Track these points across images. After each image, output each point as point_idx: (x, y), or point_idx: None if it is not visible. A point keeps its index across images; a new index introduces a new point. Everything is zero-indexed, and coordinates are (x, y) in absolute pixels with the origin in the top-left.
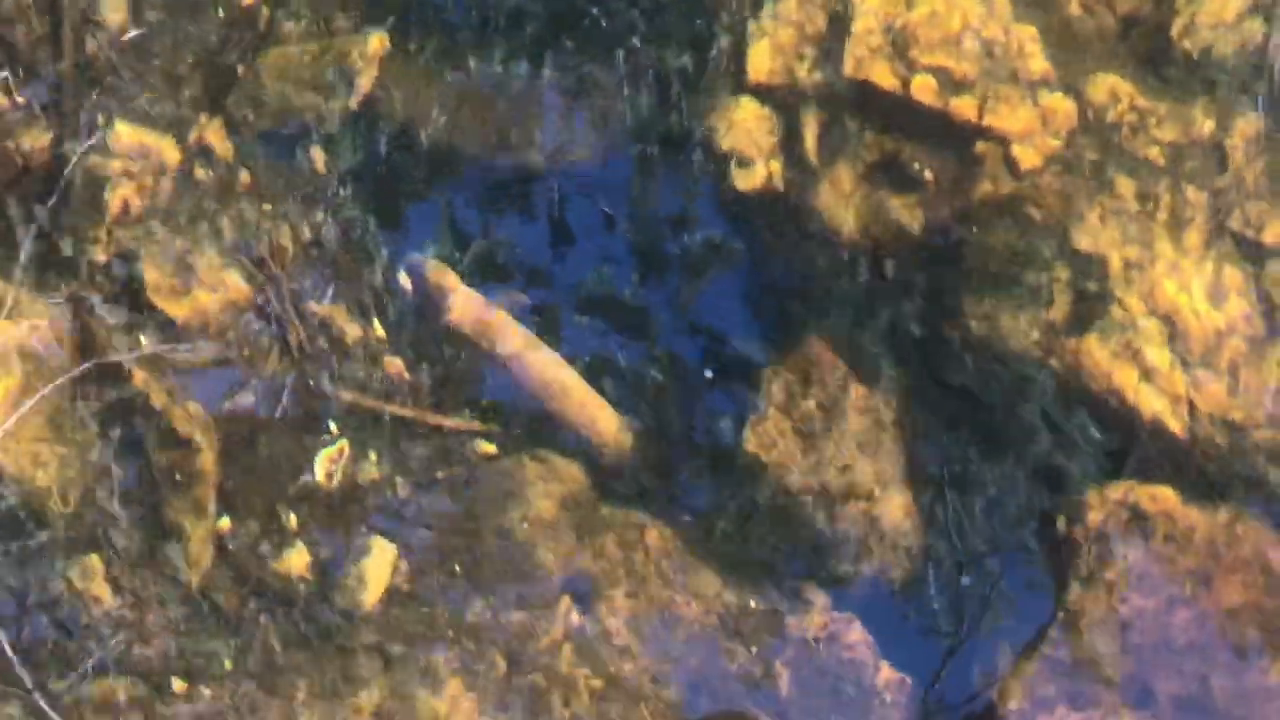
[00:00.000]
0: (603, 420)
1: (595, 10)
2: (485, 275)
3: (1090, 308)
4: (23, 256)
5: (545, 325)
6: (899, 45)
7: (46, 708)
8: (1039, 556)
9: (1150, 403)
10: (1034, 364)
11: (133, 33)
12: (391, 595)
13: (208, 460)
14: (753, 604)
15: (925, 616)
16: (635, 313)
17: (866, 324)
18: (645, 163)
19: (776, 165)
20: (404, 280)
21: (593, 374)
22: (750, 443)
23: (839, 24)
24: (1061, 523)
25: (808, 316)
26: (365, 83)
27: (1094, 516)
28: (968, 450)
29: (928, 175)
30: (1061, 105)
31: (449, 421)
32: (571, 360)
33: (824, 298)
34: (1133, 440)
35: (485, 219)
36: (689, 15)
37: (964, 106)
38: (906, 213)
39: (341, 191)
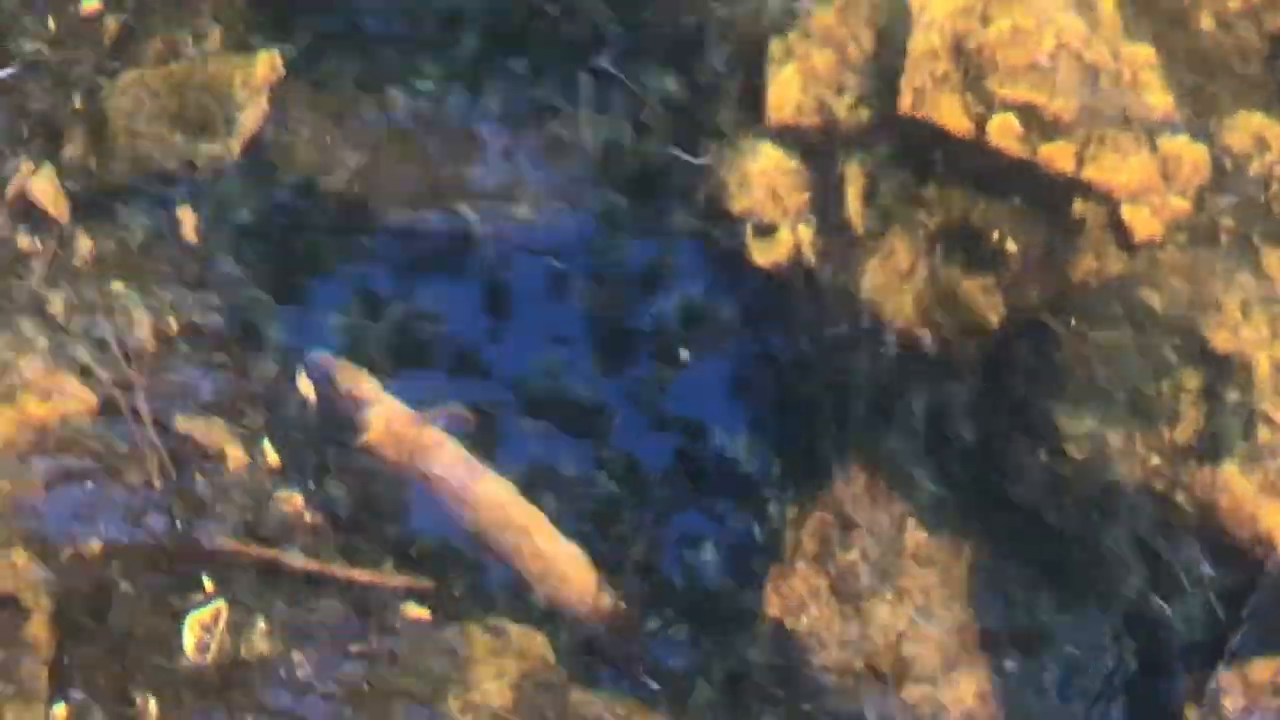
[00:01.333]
0: (574, 573)
1: (553, 15)
2: (403, 360)
3: (1229, 426)
4: None
5: (477, 431)
6: (972, 74)
7: None
8: None
9: None
10: (1151, 497)
11: None
12: None
13: (39, 627)
14: None
15: None
16: (589, 409)
17: (924, 443)
18: (611, 215)
19: (807, 232)
20: (304, 385)
21: (531, 492)
22: (772, 604)
23: (891, 44)
24: (1191, 713)
25: (844, 434)
26: (250, 118)
27: (1230, 703)
28: (1038, 598)
29: (1010, 248)
30: (1189, 153)
31: (365, 576)
32: (505, 471)
33: (870, 411)
34: (1254, 580)
35: (405, 287)
36: (683, 31)
37: (1058, 155)
38: (983, 298)
39: (218, 264)
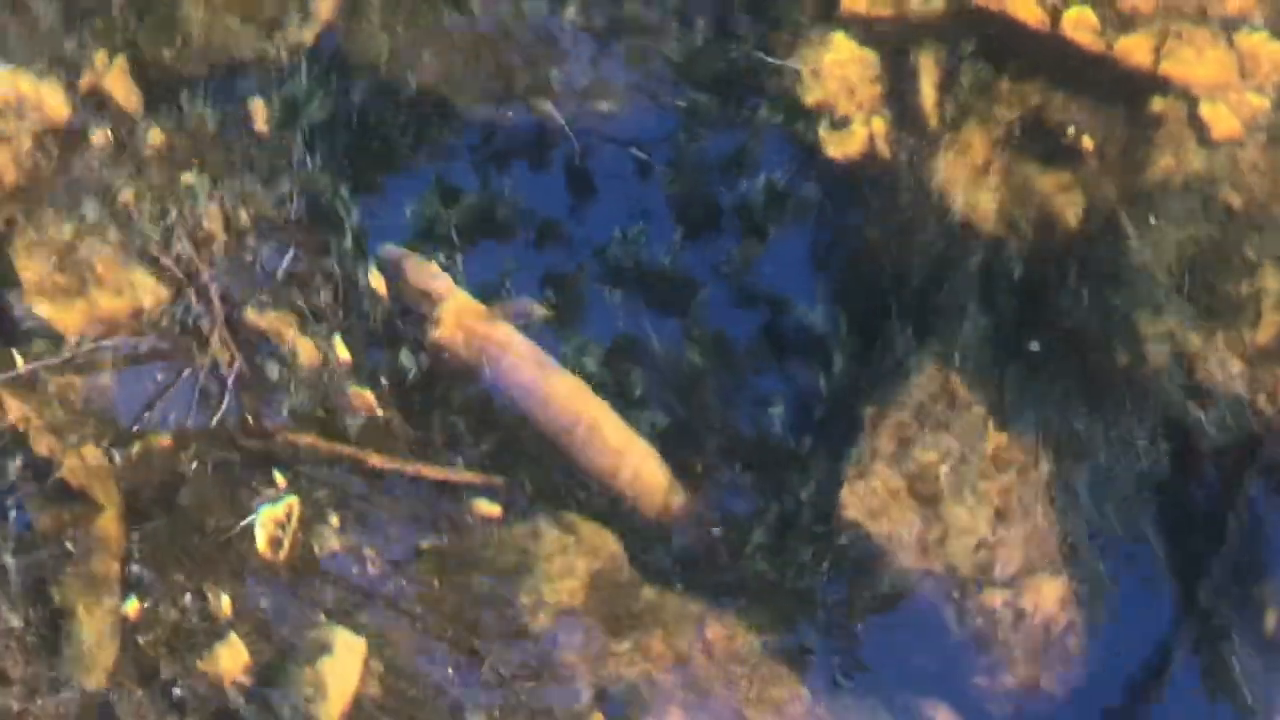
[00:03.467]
0: (646, 470)
1: None
2: (481, 234)
3: None
4: None
5: (561, 302)
6: None
7: None
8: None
9: None
10: (1234, 402)
11: None
12: (360, 707)
13: (110, 522)
14: None
15: None
16: (673, 283)
17: (1004, 339)
18: (693, 114)
19: (881, 125)
20: (375, 281)
21: (617, 363)
22: (849, 505)
23: None
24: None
25: (922, 327)
26: (325, 9)
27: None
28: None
29: (1086, 143)
30: (1267, 50)
31: (437, 472)
32: (589, 347)
33: (948, 304)
34: None
35: (483, 173)
36: None
37: (1135, 49)
38: (1060, 194)
39: (290, 157)
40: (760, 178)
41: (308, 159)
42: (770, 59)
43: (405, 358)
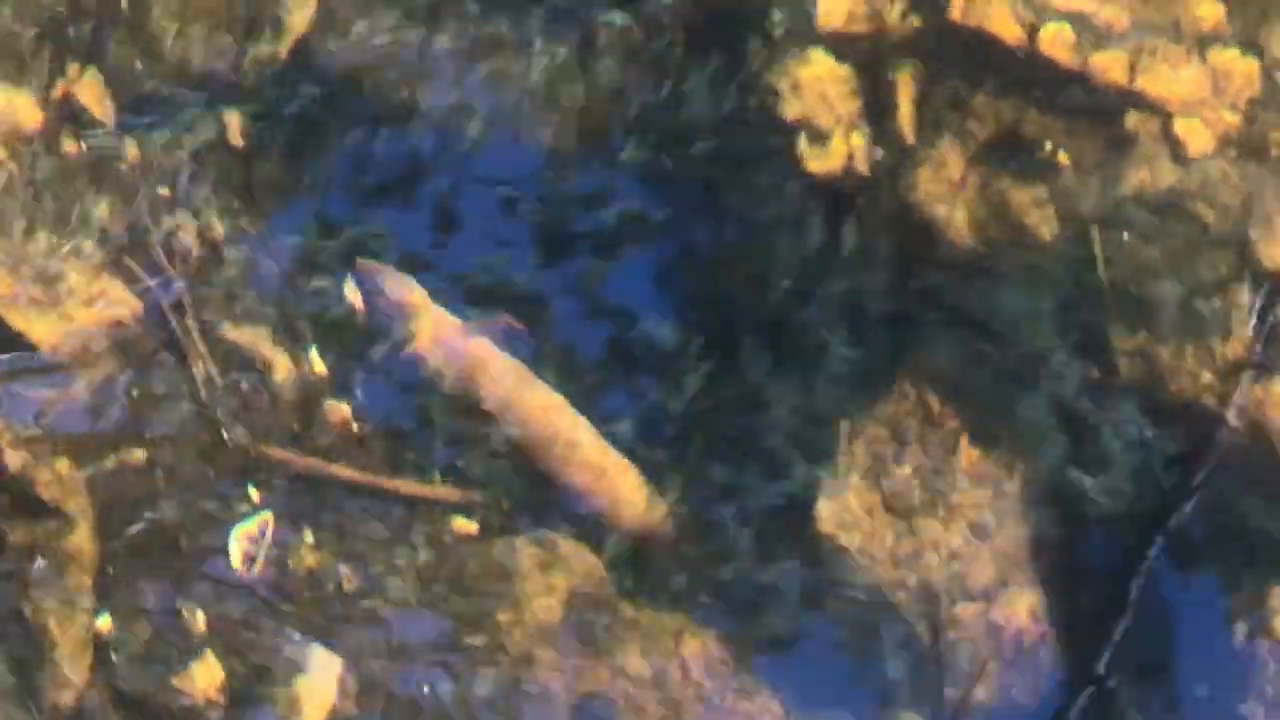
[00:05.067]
0: (625, 486)
1: None
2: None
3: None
4: None
5: None
6: None
7: None
8: None
9: None
10: (1204, 417)
11: None
12: None
13: (83, 537)
14: None
15: None
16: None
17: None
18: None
19: (859, 140)
20: (352, 294)
21: None
22: (825, 520)
23: None
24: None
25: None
26: (301, 20)
27: None
28: None
29: (1062, 159)
30: (1240, 66)
31: (413, 488)
32: None
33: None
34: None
35: (359, 207)
36: None
37: (1110, 66)
38: (1035, 210)
39: (269, 170)
40: (616, 207)
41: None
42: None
43: (382, 371)
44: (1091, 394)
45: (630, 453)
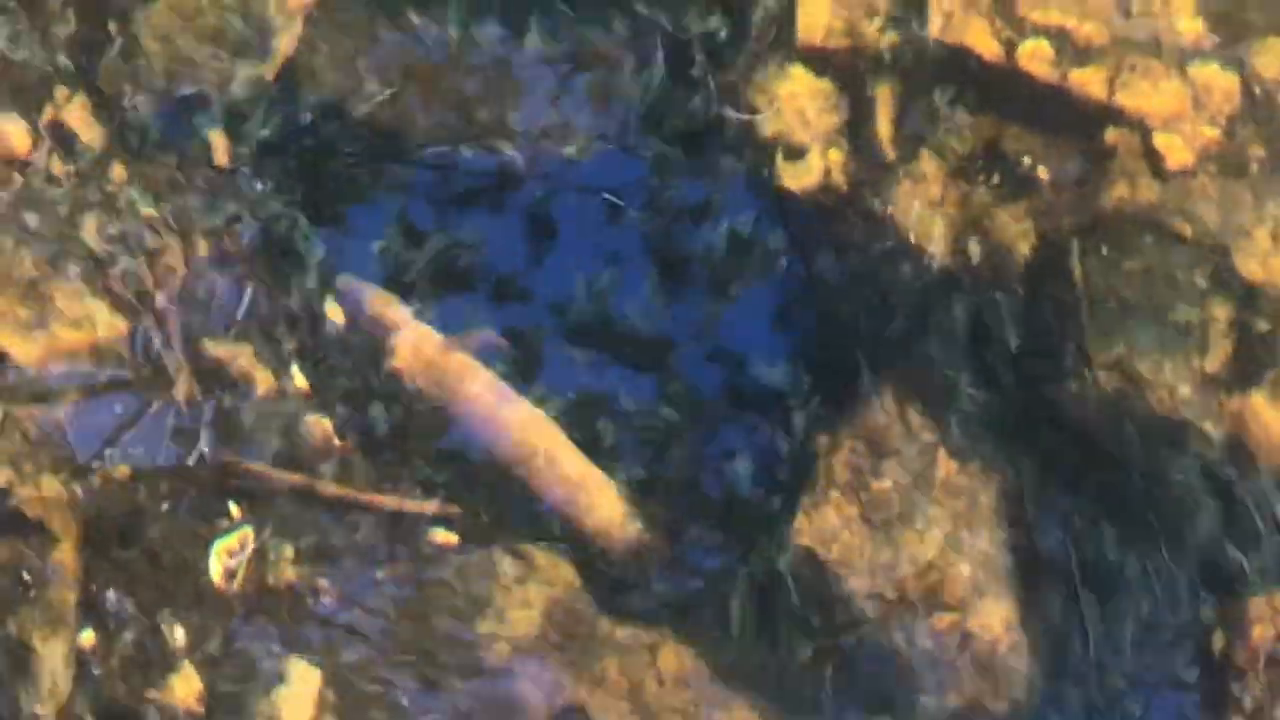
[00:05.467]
0: (603, 502)
1: None
2: (444, 286)
3: (1258, 355)
4: None
5: (521, 356)
6: None
7: None
8: (1197, 692)
9: None
10: (1183, 428)
11: None
12: None
13: (67, 554)
14: None
15: None
16: (638, 338)
17: (965, 364)
18: (660, 160)
19: (838, 156)
20: (333, 311)
21: (579, 420)
22: (803, 534)
23: None
24: (1218, 639)
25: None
26: (286, 42)
27: (1260, 632)
28: (1101, 534)
29: (1041, 174)
30: (1220, 81)
31: (394, 502)
32: (550, 401)
33: (902, 336)
34: None
35: (443, 216)
36: None
37: (1089, 81)
38: (1014, 225)
39: (251, 189)
40: (724, 224)
41: (257, 185)
42: (736, 114)
43: (363, 388)
44: None
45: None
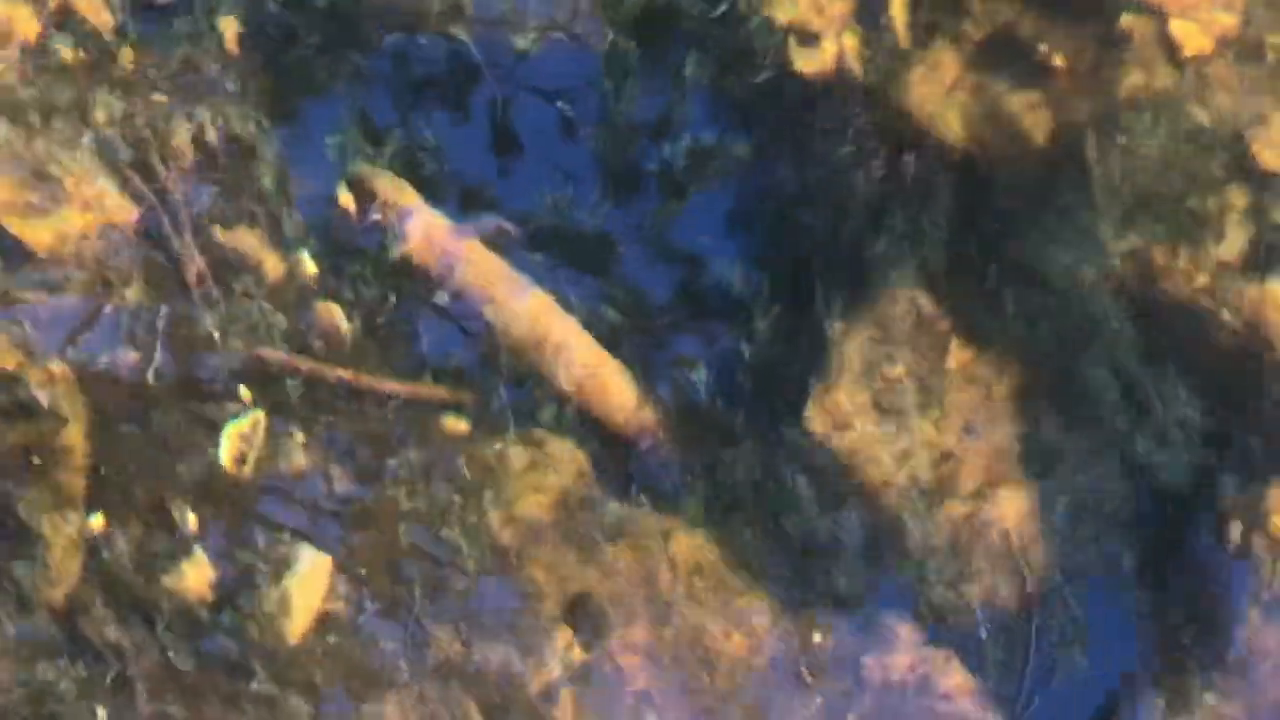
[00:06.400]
0: (616, 388)
1: None
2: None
3: (1276, 243)
4: None
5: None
6: None
7: None
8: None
9: None
10: (1200, 313)
11: None
12: (324, 623)
13: (75, 436)
14: (818, 638)
15: (1043, 654)
16: (594, 241)
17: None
18: (615, 57)
19: (852, 41)
20: (343, 197)
21: None
22: (815, 421)
23: None
24: (1236, 530)
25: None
26: None
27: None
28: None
29: (1057, 61)
30: None
31: (404, 388)
32: None
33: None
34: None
35: (401, 109)
36: None
37: None
38: (1029, 114)
39: (261, 77)
40: (685, 138)
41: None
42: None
43: (372, 272)
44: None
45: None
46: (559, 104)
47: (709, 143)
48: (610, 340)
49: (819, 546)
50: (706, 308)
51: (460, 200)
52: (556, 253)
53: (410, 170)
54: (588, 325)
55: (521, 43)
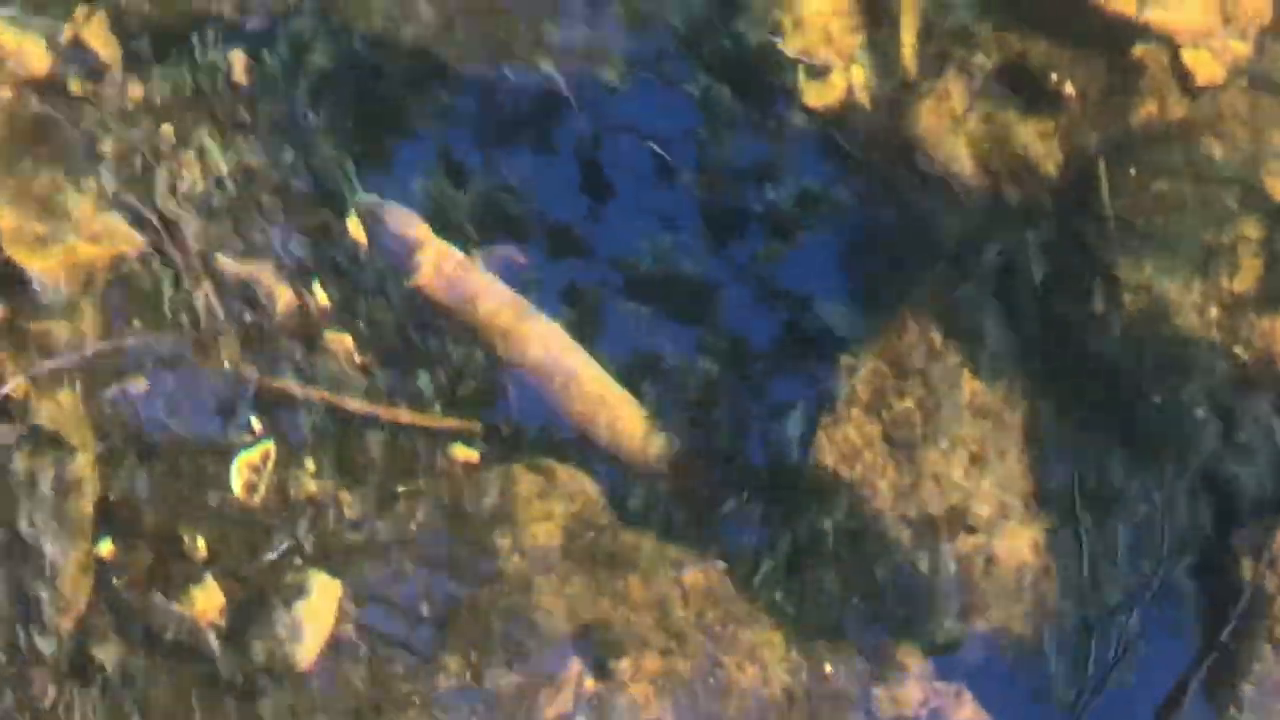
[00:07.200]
0: (625, 418)
1: None
2: (491, 231)
3: None
4: None
5: (578, 312)
6: None
7: None
8: (1193, 601)
9: None
10: (1209, 348)
11: None
12: (335, 649)
13: (85, 464)
14: (828, 670)
15: (1045, 685)
16: (695, 287)
17: (981, 287)
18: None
19: (861, 74)
20: (355, 229)
21: (631, 375)
22: (824, 453)
23: None
24: (1248, 567)
25: (898, 280)
26: None
27: None
28: (1106, 456)
29: (1068, 90)
30: None
31: (415, 418)
32: (605, 359)
33: (923, 255)
34: None
35: (486, 147)
36: None
37: None
38: (1040, 143)
39: (271, 108)
40: (790, 183)
41: (309, 115)
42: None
43: (383, 304)
44: None
45: None
46: (652, 145)
47: (815, 188)
48: (705, 395)
49: (911, 592)
50: (809, 351)
51: (547, 242)
52: (656, 301)
53: (493, 210)
54: (682, 381)
55: (609, 76)
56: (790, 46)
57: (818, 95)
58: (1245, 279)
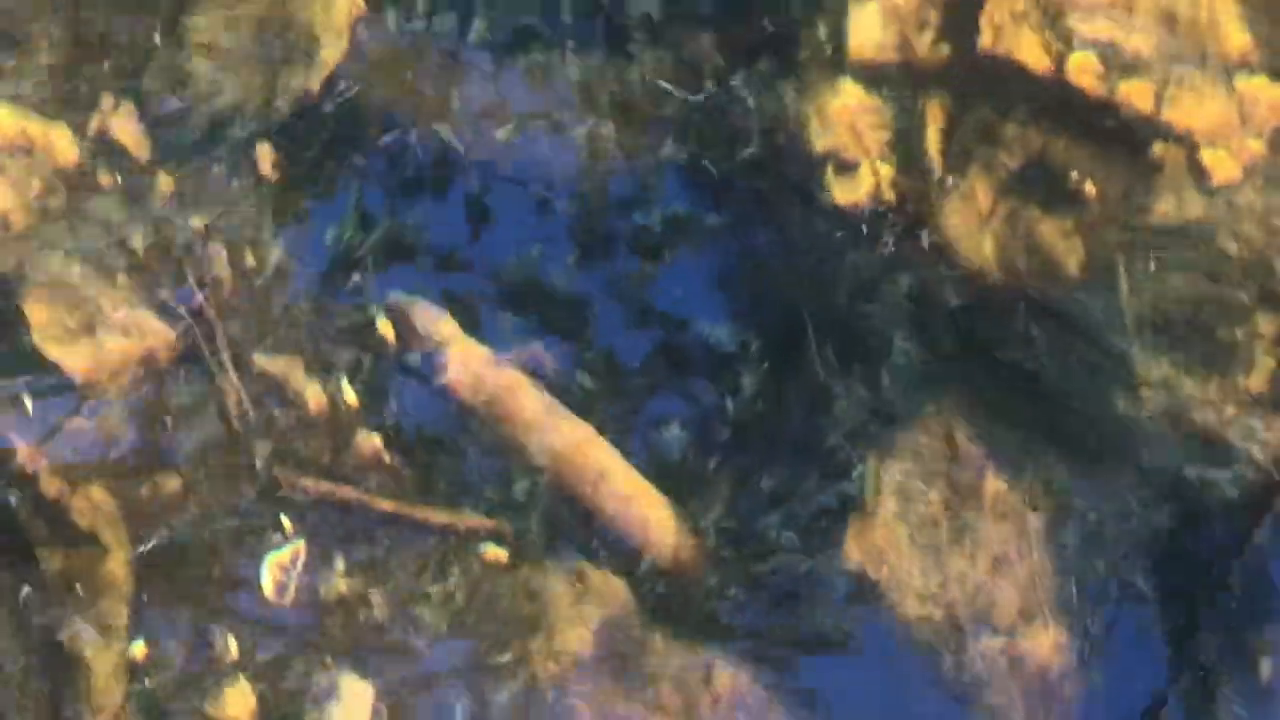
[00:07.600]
0: (656, 519)
1: None
2: (392, 258)
3: None
4: None
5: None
6: (1051, 11)
7: None
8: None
9: None
10: (1225, 447)
11: None
12: None
13: (118, 565)
14: None
15: None
16: (568, 304)
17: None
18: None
19: (888, 170)
20: (383, 327)
21: None
22: (852, 554)
23: None
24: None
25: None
26: (331, 56)
27: None
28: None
29: (1089, 189)
30: (1266, 94)
31: (444, 518)
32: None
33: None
34: None
35: (391, 201)
36: None
37: (1136, 95)
38: (1061, 241)
39: (302, 202)
40: (659, 210)
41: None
42: (687, 95)
43: (411, 403)
44: None
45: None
46: (529, 184)
47: (683, 212)
48: (584, 408)
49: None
50: (687, 368)
51: (435, 265)
52: (527, 314)
53: (394, 246)
54: (563, 395)
55: (502, 134)
56: (818, 143)
57: (846, 192)
58: (1260, 376)
